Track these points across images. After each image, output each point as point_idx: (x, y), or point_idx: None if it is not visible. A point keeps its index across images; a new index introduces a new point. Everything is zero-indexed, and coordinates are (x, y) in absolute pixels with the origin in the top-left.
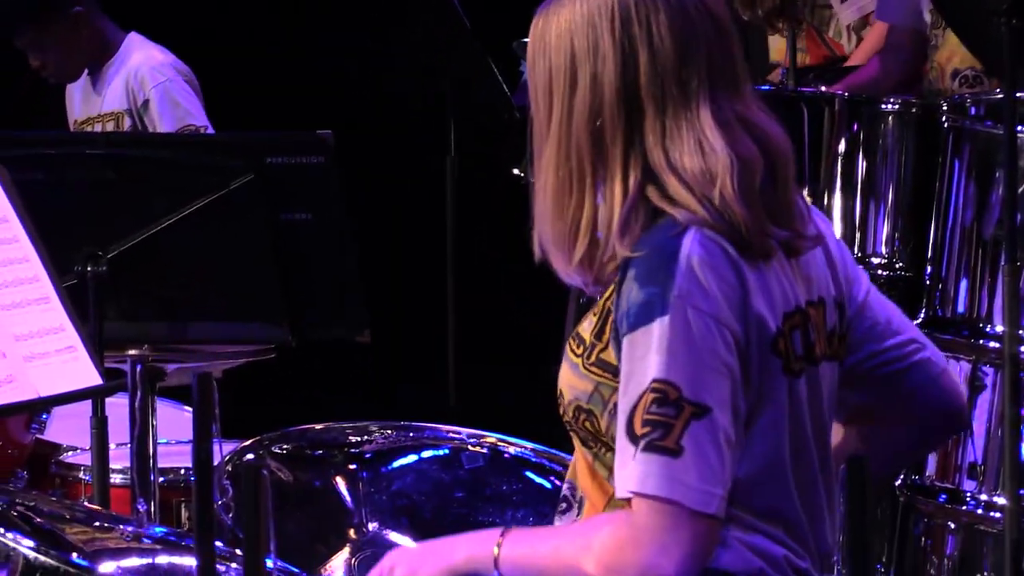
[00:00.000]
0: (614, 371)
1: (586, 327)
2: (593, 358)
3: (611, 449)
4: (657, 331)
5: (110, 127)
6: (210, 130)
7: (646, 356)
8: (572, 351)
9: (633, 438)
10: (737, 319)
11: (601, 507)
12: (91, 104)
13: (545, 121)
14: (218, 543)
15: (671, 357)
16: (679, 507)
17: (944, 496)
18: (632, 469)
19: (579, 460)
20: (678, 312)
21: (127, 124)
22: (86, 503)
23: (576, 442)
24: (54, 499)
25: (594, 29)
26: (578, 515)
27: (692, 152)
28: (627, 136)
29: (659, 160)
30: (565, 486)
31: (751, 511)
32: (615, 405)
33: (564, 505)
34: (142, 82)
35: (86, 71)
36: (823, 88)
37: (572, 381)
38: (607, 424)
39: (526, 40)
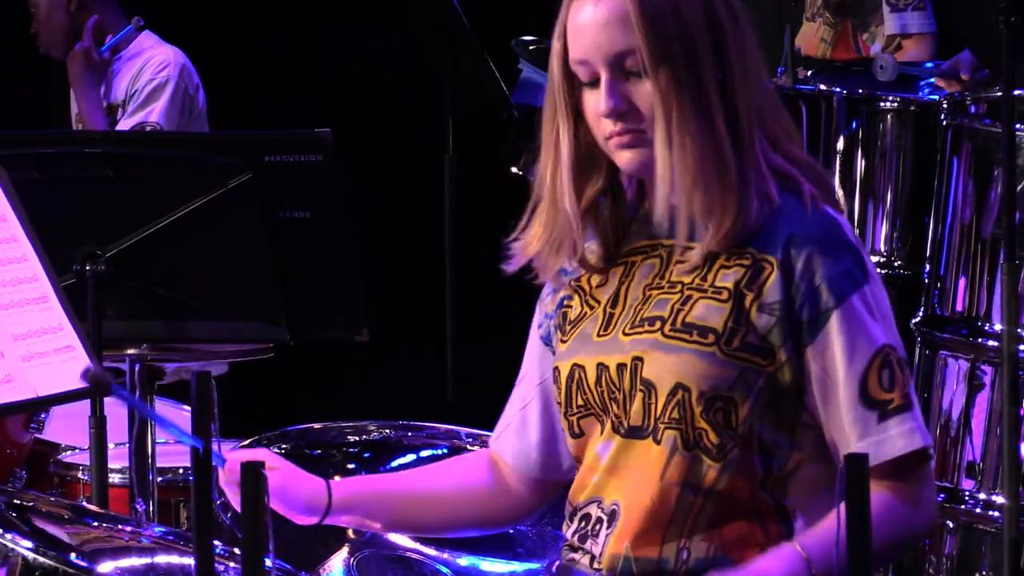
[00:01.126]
0: (764, 354)
1: (704, 314)
2: (737, 343)
3: (737, 444)
4: (869, 296)
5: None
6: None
7: (868, 322)
8: (691, 341)
9: (872, 403)
10: None
11: (667, 511)
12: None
13: (675, 85)
14: (217, 543)
15: (884, 318)
16: (928, 451)
17: (943, 495)
18: (893, 433)
19: (633, 471)
20: (873, 274)
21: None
22: (85, 503)
23: (646, 450)
24: (53, 499)
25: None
26: (610, 528)
27: (783, 134)
28: (761, 109)
29: (775, 140)
30: (580, 508)
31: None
32: (759, 389)
33: (583, 524)
34: (144, 74)
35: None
36: (822, 86)
37: (706, 371)
38: (748, 411)
39: (525, 38)
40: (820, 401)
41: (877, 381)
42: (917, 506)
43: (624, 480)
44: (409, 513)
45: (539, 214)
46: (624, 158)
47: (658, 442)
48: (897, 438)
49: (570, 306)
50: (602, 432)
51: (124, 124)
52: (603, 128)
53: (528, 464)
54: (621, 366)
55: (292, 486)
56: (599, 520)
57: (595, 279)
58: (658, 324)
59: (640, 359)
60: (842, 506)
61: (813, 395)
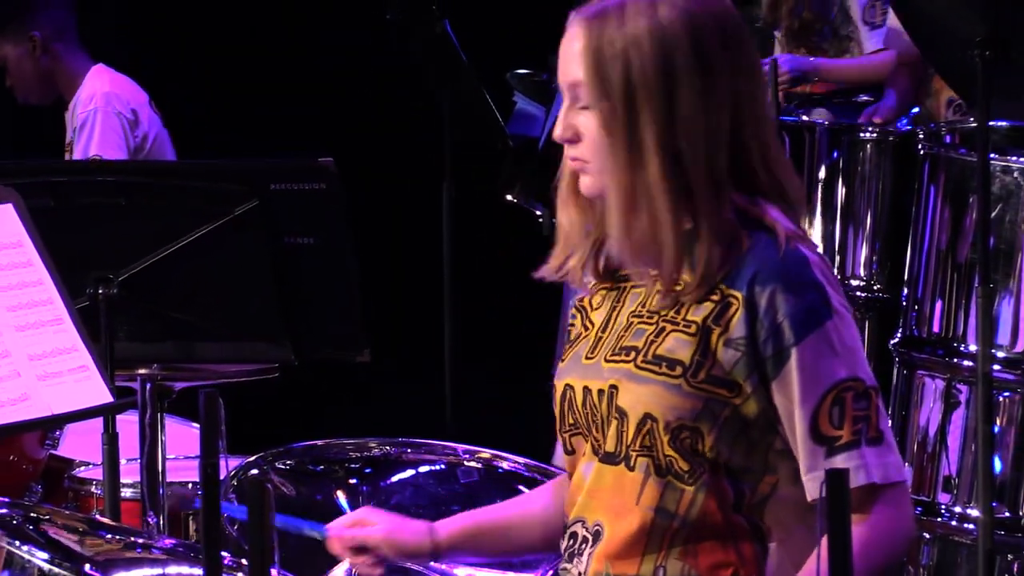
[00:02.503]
0: (729, 386)
1: (673, 348)
2: (703, 375)
3: (707, 472)
4: (833, 332)
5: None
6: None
7: (828, 358)
8: (659, 373)
9: (821, 439)
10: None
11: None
12: (67, 131)
13: (624, 131)
14: (225, 554)
15: (851, 353)
16: (903, 486)
17: (920, 508)
18: (861, 462)
19: (610, 496)
20: (839, 311)
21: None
22: (98, 516)
23: (620, 476)
24: (67, 512)
25: (699, 42)
26: (593, 546)
27: (777, 171)
28: (726, 151)
29: (752, 178)
30: (582, 527)
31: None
32: (725, 419)
33: (572, 543)
34: (77, 111)
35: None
36: (804, 117)
37: (672, 402)
38: (714, 440)
39: (519, 72)
40: (788, 432)
41: (827, 418)
42: (873, 540)
43: (604, 502)
44: (512, 539)
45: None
46: (582, 183)
47: (632, 468)
48: (877, 467)
49: (573, 325)
50: (585, 453)
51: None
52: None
53: None
54: (600, 392)
55: (396, 537)
56: (584, 539)
57: (596, 300)
58: (632, 354)
59: (616, 387)
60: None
61: (783, 426)
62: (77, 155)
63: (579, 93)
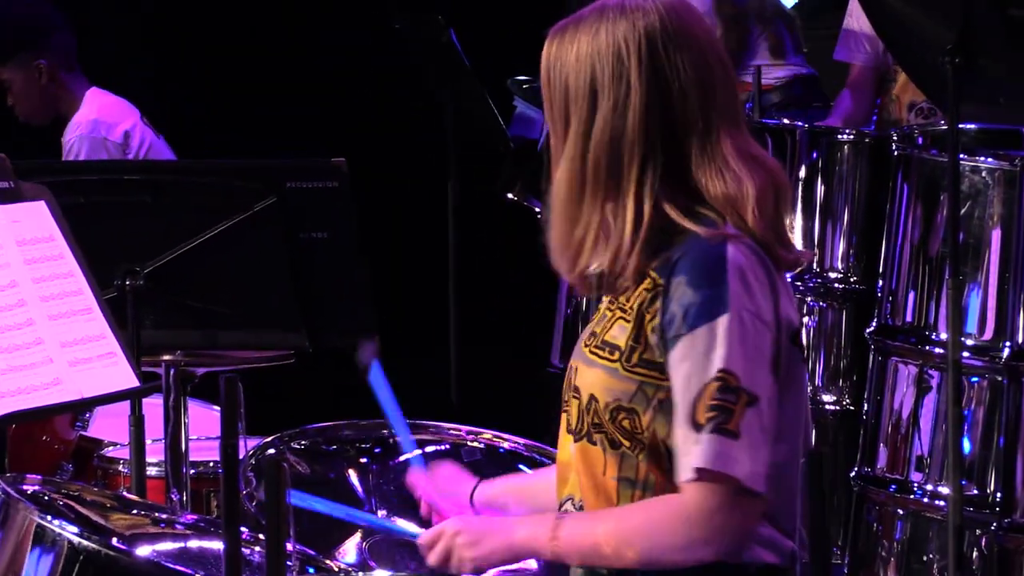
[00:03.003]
0: (660, 369)
1: (616, 334)
2: (636, 360)
3: (646, 448)
4: (721, 326)
5: None
6: None
7: (710, 351)
8: (599, 355)
9: (696, 426)
10: (773, 319)
11: (612, 504)
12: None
13: (561, 136)
14: (243, 529)
15: (731, 350)
16: (738, 484)
17: (894, 486)
18: (697, 450)
19: (584, 470)
20: (735, 310)
21: None
22: (125, 493)
23: (583, 448)
24: (96, 489)
25: (619, 59)
26: None
27: (716, 179)
28: (649, 162)
29: (684, 184)
30: (572, 504)
31: (771, 504)
32: (659, 401)
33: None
34: (66, 137)
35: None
36: (785, 120)
37: (609, 384)
38: (650, 419)
39: (519, 78)
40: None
41: (711, 400)
42: (703, 529)
43: (582, 477)
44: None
45: None
46: None
47: (593, 443)
48: (697, 455)
49: (597, 311)
50: (565, 430)
51: None
52: None
53: None
54: (571, 370)
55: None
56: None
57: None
58: (592, 339)
59: (576, 369)
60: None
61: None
62: None
63: None
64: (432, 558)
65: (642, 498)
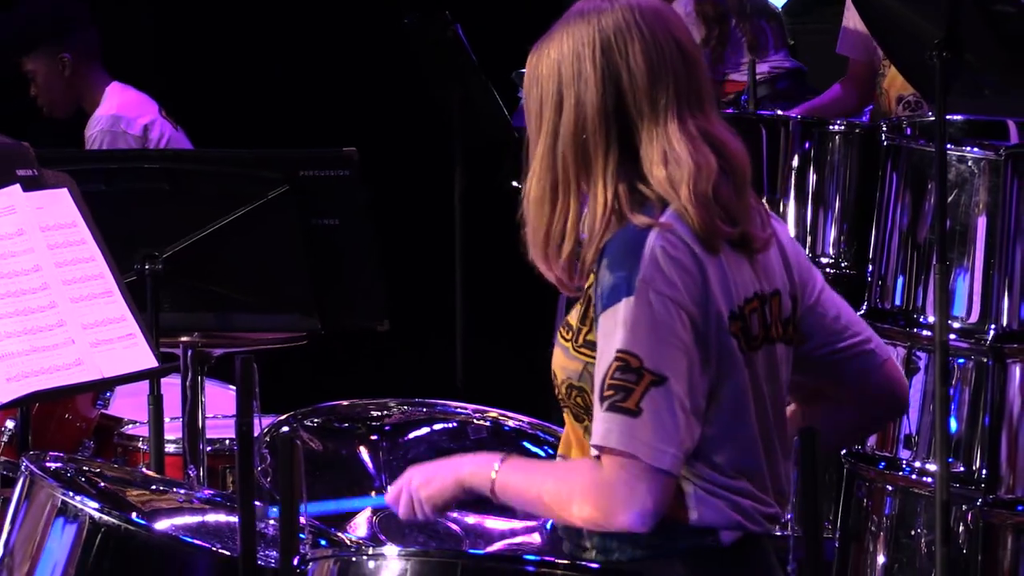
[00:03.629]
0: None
1: (573, 315)
2: (581, 340)
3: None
4: (623, 309)
5: None
6: None
7: (614, 331)
8: (562, 337)
9: (602, 396)
10: (696, 305)
11: None
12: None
13: (535, 141)
14: (258, 503)
15: (633, 332)
16: (637, 461)
17: (883, 463)
18: (597, 426)
19: (570, 434)
20: (641, 294)
21: None
22: (144, 469)
23: (568, 418)
24: (116, 466)
25: (579, 58)
26: None
27: (659, 162)
28: (607, 150)
29: (633, 170)
30: (559, 460)
31: (719, 469)
32: None
33: None
34: (88, 131)
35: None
36: (779, 112)
37: (564, 363)
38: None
39: (523, 71)
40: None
41: (610, 380)
42: (610, 499)
43: (566, 449)
44: None
45: None
46: None
47: (574, 417)
48: (596, 432)
49: None
50: None
51: None
52: None
53: None
54: None
55: None
56: None
57: None
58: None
59: (553, 349)
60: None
61: None
62: None
63: None
64: (400, 510)
65: None
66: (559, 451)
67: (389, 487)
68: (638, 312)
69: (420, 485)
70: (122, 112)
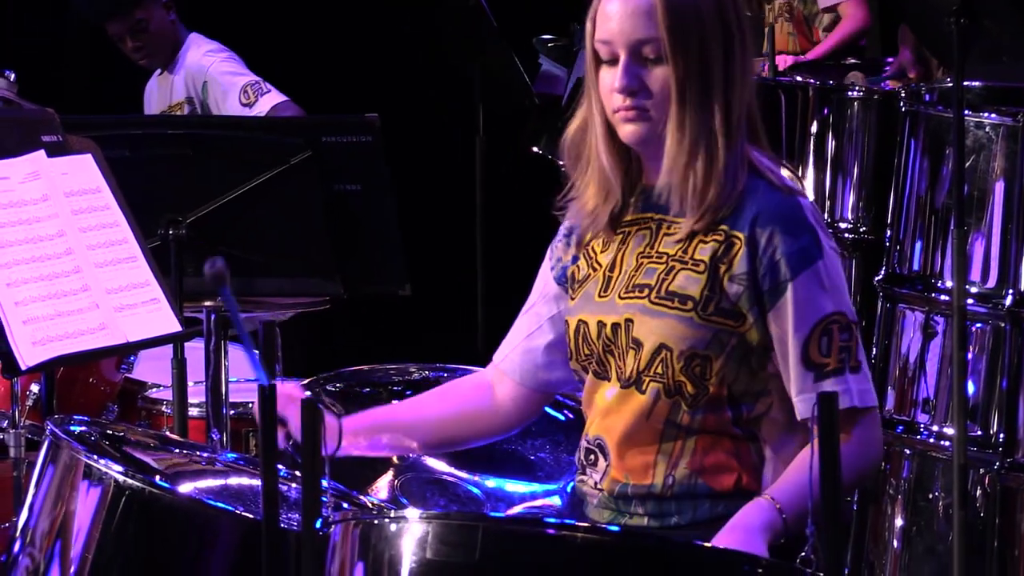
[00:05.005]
0: (735, 317)
1: (683, 284)
2: (711, 308)
3: (708, 395)
4: (822, 270)
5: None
6: (264, 83)
7: (818, 293)
8: (672, 307)
9: (810, 365)
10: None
11: (653, 451)
12: (164, 97)
13: (698, 80)
14: (280, 467)
15: (836, 291)
16: (873, 411)
17: (901, 427)
18: (842, 388)
19: (624, 414)
20: (828, 253)
21: (186, 111)
22: (168, 433)
23: (631, 397)
24: (140, 430)
25: (738, 10)
26: (607, 461)
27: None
28: (741, 106)
29: (753, 135)
30: (588, 442)
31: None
32: (732, 347)
33: (592, 457)
34: (199, 70)
35: (160, 68)
36: (798, 78)
37: (684, 333)
38: (720, 365)
39: (544, 37)
40: (779, 357)
41: (817, 347)
42: (856, 453)
43: (619, 422)
44: (413, 437)
45: (590, 175)
46: (627, 131)
47: (643, 392)
48: (854, 391)
49: (578, 267)
50: (610, 380)
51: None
52: (613, 102)
53: (532, 382)
54: (616, 325)
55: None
56: (599, 454)
57: (598, 244)
58: (646, 291)
59: (631, 320)
60: (813, 445)
61: (776, 352)
62: (231, 96)
63: (647, 49)
64: None
65: (685, 442)
66: (592, 433)
67: None
68: (832, 270)
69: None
70: (219, 48)
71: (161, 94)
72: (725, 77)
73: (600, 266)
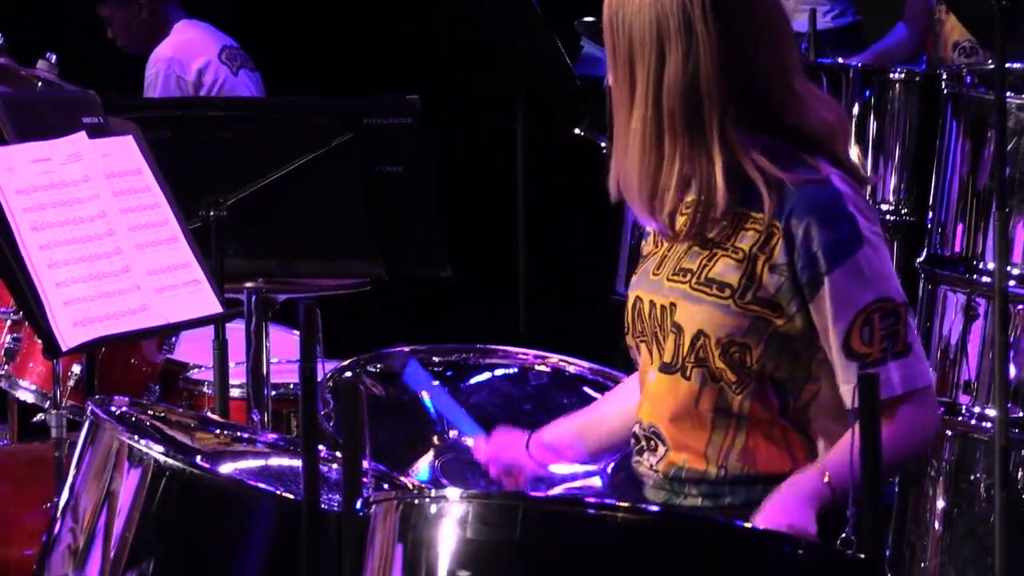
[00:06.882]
0: (772, 306)
1: (722, 271)
2: (749, 297)
3: (752, 381)
4: (862, 260)
5: None
6: None
7: (857, 284)
8: (710, 294)
9: (853, 355)
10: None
11: (704, 439)
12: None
13: (625, 82)
14: (321, 448)
15: (879, 278)
16: (925, 390)
17: (942, 409)
18: (885, 380)
19: (672, 401)
20: (869, 240)
21: None
22: (209, 413)
23: (678, 384)
24: (181, 410)
25: (685, 11)
26: (666, 450)
27: (806, 118)
28: (723, 108)
29: (777, 128)
30: (643, 429)
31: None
32: (770, 335)
33: (653, 444)
34: (148, 70)
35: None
36: (840, 59)
37: (722, 320)
38: (760, 353)
39: (586, 19)
40: (825, 347)
41: (859, 337)
42: (899, 437)
43: (666, 407)
44: (601, 443)
45: None
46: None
47: (688, 377)
48: (896, 379)
49: (647, 242)
50: (652, 360)
51: None
52: None
53: None
54: (663, 308)
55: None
56: (657, 441)
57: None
58: (688, 276)
59: (675, 305)
60: (855, 430)
61: (822, 341)
62: None
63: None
64: None
65: (737, 434)
66: (643, 418)
67: None
68: (873, 257)
69: (800, 524)
70: (177, 55)
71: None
72: (656, 81)
73: (660, 244)
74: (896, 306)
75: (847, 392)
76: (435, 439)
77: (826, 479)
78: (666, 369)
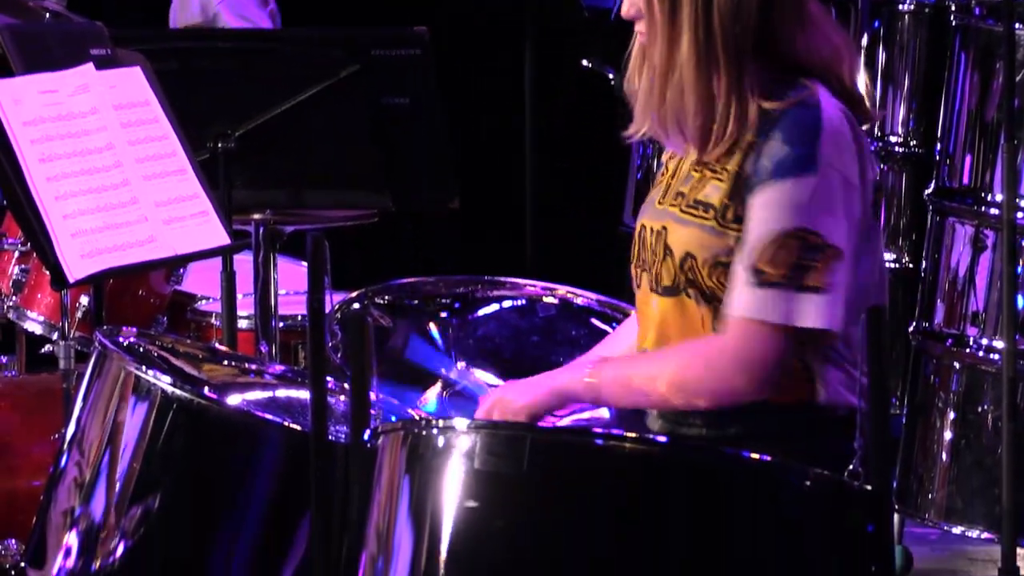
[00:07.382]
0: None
1: (708, 193)
2: (730, 216)
3: None
4: (805, 185)
5: None
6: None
7: (792, 205)
8: (697, 216)
9: (753, 270)
10: (859, 182)
11: None
12: (183, 14)
13: (667, 11)
14: (329, 379)
15: (814, 208)
16: (774, 328)
17: (951, 340)
18: (757, 296)
19: (680, 324)
20: (823, 172)
21: None
22: (217, 345)
23: (684, 305)
24: (189, 341)
25: None
26: None
27: (812, 43)
28: (745, 31)
29: (779, 51)
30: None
31: (851, 345)
32: None
33: None
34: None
35: None
36: None
37: (707, 241)
38: None
39: None
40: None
41: (766, 255)
42: (745, 370)
43: (676, 331)
44: None
45: None
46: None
47: (690, 297)
48: (750, 301)
49: (659, 174)
50: (651, 288)
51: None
52: None
53: None
54: (657, 232)
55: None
56: None
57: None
58: (679, 199)
59: (666, 228)
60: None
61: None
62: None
63: None
64: None
65: None
66: (644, 347)
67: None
68: (820, 189)
69: (515, 397)
70: None
71: (182, 10)
72: (699, 7)
73: (667, 172)
74: (827, 245)
75: (727, 297)
76: (443, 370)
77: (588, 378)
78: (668, 292)
